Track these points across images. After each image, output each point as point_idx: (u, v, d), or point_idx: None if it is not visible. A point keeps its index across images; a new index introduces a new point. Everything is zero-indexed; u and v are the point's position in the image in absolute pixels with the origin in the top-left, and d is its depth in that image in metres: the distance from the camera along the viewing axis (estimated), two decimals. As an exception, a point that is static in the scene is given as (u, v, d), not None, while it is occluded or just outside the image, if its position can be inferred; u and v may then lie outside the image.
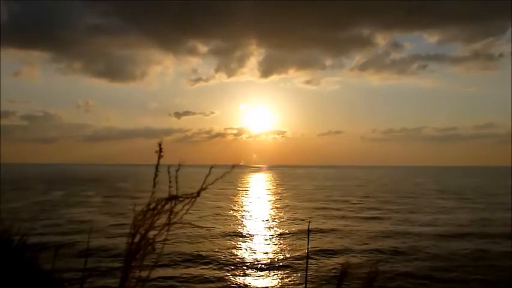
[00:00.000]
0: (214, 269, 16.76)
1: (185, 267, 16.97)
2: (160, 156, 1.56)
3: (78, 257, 17.10)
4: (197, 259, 18.11)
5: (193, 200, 1.53)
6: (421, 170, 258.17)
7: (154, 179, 1.61)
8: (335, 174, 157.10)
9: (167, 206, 1.58)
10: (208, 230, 25.37)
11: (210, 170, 1.57)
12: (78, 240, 21.48)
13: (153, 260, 1.63)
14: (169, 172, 1.50)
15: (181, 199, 1.54)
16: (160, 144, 1.53)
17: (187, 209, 1.54)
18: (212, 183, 1.56)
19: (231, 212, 36.07)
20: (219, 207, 38.90)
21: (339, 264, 17.41)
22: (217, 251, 19.76)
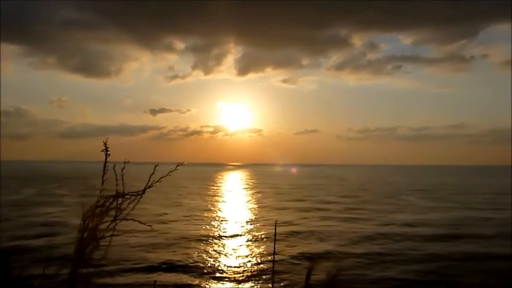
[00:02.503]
0: (181, 276, 16.20)
1: (157, 274, 16.57)
2: (107, 155, 1.60)
3: (46, 261, 16.67)
4: (164, 265, 17.51)
5: (139, 197, 1.57)
6: (396, 168, 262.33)
7: (103, 177, 1.65)
8: (311, 173, 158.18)
9: (114, 203, 1.63)
10: (178, 232, 25.15)
11: (154, 168, 1.62)
12: (45, 244, 20.70)
13: (100, 256, 1.67)
14: (114, 170, 1.54)
15: (127, 196, 1.59)
16: (105, 143, 1.57)
17: (133, 207, 1.58)
18: (159, 181, 1.61)
19: (205, 212, 35.86)
20: (193, 207, 38.82)
21: (318, 267, 17.53)
22: (187, 256, 19.25)
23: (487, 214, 34.80)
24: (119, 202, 1.56)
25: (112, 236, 1.57)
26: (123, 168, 1.51)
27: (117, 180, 1.54)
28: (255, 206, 40.83)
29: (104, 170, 1.55)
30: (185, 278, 15.73)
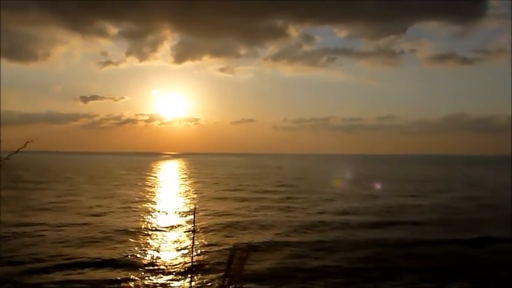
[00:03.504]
0: (115, 271, 15.36)
1: (89, 270, 15.67)
2: None
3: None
4: (96, 260, 16.57)
5: None
6: (330, 158, 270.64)
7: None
8: (248, 162, 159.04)
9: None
10: (112, 225, 24.04)
11: None
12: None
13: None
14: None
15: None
16: None
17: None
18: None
19: (140, 204, 34.68)
20: (128, 198, 37.48)
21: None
22: (120, 250, 18.30)
23: (415, 201, 36.58)
24: None
25: None
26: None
27: None
28: (192, 196, 40.16)
29: None
30: (119, 274, 14.94)
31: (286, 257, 17.59)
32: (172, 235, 21.56)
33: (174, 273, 15.20)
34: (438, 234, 22.15)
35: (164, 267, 15.81)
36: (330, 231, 23.24)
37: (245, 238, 20.91)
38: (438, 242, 20.35)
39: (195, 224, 24.15)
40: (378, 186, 52.34)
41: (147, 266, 15.96)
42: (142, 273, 15.10)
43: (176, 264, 16.16)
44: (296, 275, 15.28)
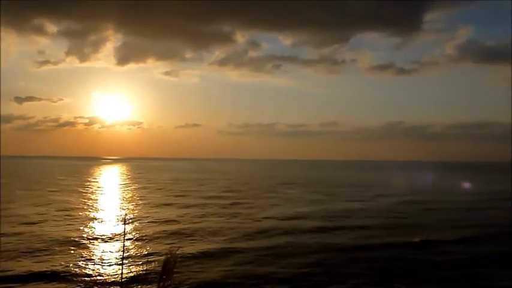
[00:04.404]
0: (47, 286, 14.40)
1: (18, 285, 14.49)
2: None
3: None
4: (26, 274, 15.40)
5: None
6: (275, 163, 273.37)
7: None
8: (193, 168, 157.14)
9: None
10: (47, 235, 22.51)
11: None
12: None
13: None
14: None
15: None
16: None
17: None
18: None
19: (79, 211, 32.96)
20: (66, 205, 35.58)
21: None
22: (54, 263, 17.24)
23: (359, 206, 37.39)
24: None
25: None
26: None
27: None
28: (135, 202, 38.71)
29: None
30: (52, 287, 13.90)
31: (234, 264, 17.18)
32: (111, 245, 20.42)
33: (106, 285, 14.37)
34: (382, 238, 22.60)
35: (96, 279, 14.86)
36: (276, 236, 23.07)
37: (190, 246, 20.23)
38: (383, 246, 20.73)
39: (137, 232, 23.17)
40: (321, 190, 53.16)
41: (83, 278, 14.94)
42: (74, 286, 14.12)
43: (108, 276, 15.27)
44: (244, 281, 14.95)
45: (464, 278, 15.72)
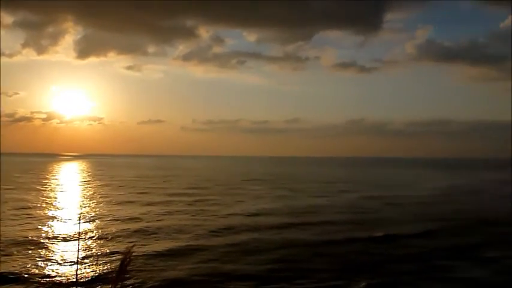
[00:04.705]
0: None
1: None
2: None
3: None
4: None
5: None
6: (239, 159, 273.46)
7: None
8: (157, 164, 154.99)
9: None
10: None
11: None
12: None
13: None
14: None
15: None
16: None
17: None
18: None
19: (37, 210, 31.75)
20: (23, 204, 34.21)
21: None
22: (9, 265, 16.45)
23: (323, 202, 37.82)
24: None
25: None
26: None
27: None
28: (96, 200, 37.67)
29: None
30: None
31: (198, 261, 16.96)
32: (71, 244, 19.63)
33: (61, 285, 13.90)
34: (347, 233, 22.89)
35: (52, 280, 14.29)
36: (242, 233, 22.98)
37: (154, 244, 19.84)
38: (347, 241, 21.00)
39: (98, 231, 22.52)
40: (285, 186, 53.53)
41: (39, 279, 14.33)
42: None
43: (64, 276, 14.74)
44: (210, 279, 14.79)
45: (425, 270, 16.15)
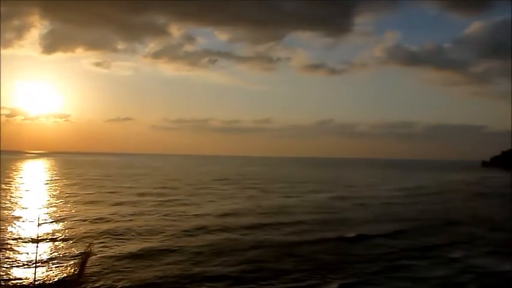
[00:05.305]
0: None
1: None
2: None
3: None
4: None
5: None
6: (209, 159, 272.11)
7: None
8: (125, 163, 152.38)
9: None
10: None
11: None
12: None
13: None
14: None
15: None
16: None
17: None
18: None
19: None
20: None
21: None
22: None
23: (293, 202, 38.05)
24: None
25: None
26: None
27: None
28: (63, 200, 36.62)
29: None
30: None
31: (168, 263, 16.72)
32: (33, 246, 18.88)
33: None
34: (318, 233, 23.10)
35: (8, 284, 13.79)
36: (212, 234, 22.79)
37: (122, 245, 19.41)
38: (318, 241, 21.20)
39: (63, 232, 21.88)
40: (255, 186, 53.60)
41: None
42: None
43: (22, 280, 14.23)
44: (179, 281, 14.62)
45: (394, 270, 16.47)
